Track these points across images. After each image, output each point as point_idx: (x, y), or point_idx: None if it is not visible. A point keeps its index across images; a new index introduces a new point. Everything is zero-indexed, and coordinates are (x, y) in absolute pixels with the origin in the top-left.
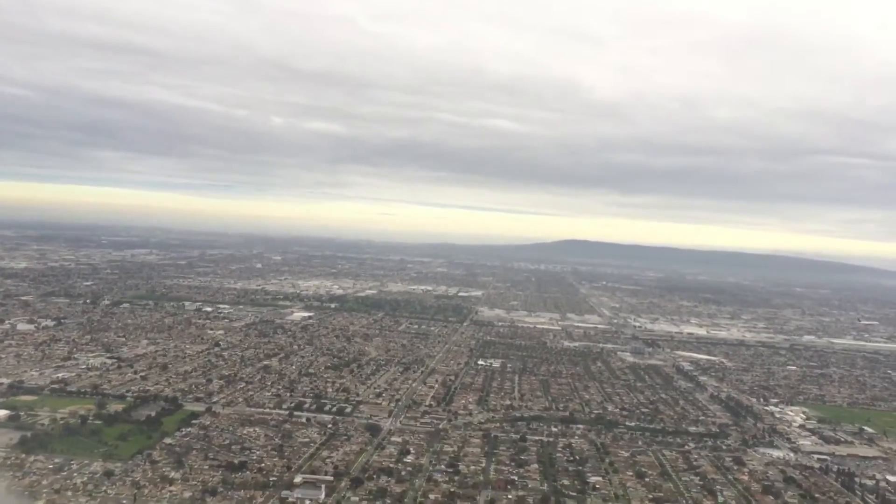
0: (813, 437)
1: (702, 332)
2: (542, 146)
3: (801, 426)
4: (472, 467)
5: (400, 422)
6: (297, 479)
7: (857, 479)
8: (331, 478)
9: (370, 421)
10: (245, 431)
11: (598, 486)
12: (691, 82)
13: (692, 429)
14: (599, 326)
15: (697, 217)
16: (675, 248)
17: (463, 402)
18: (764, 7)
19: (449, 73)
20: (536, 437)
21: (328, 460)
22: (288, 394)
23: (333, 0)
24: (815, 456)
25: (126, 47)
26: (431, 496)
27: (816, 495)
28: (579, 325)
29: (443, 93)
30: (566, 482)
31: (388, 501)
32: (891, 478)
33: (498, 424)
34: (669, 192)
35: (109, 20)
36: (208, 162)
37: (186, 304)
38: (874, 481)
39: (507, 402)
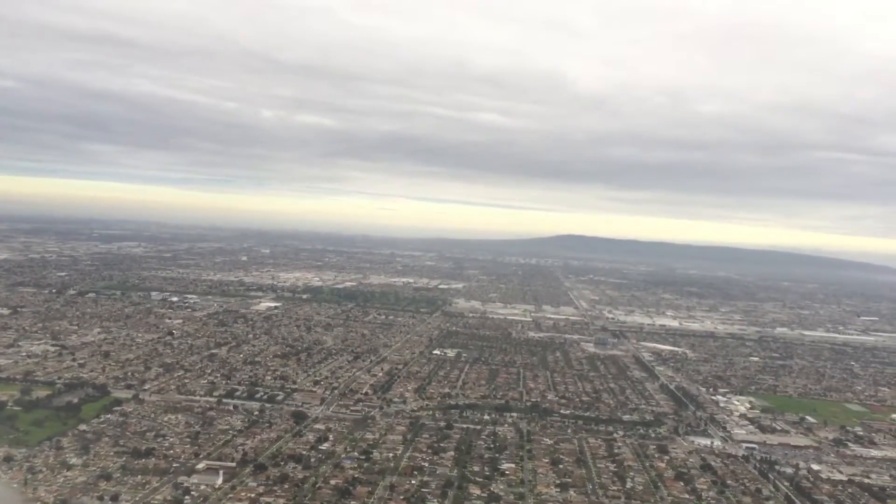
0: (750, 427)
1: (674, 323)
2: (533, 140)
3: (742, 415)
4: (387, 454)
5: (331, 409)
6: (201, 465)
7: (777, 467)
8: (233, 464)
9: (299, 408)
10: (166, 418)
11: (507, 472)
12: (677, 75)
13: (626, 417)
14: (572, 318)
15: (695, 213)
16: (671, 244)
17: (401, 390)
18: None
19: (432, 65)
20: (464, 425)
21: (241, 447)
22: (224, 381)
23: None
24: (745, 444)
25: (108, 38)
26: (332, 482)
27: (729, 482)
28: (552, 316)
29: (428, 85)
30: (476, 468)
31: (286, 486)
32: (815, 466)
33: (430, 412)
34: (665, 187)
35: (88, 11)
36: (203, 156)
37: (153, 293)
38: (793, 469)
39: (446, 391)
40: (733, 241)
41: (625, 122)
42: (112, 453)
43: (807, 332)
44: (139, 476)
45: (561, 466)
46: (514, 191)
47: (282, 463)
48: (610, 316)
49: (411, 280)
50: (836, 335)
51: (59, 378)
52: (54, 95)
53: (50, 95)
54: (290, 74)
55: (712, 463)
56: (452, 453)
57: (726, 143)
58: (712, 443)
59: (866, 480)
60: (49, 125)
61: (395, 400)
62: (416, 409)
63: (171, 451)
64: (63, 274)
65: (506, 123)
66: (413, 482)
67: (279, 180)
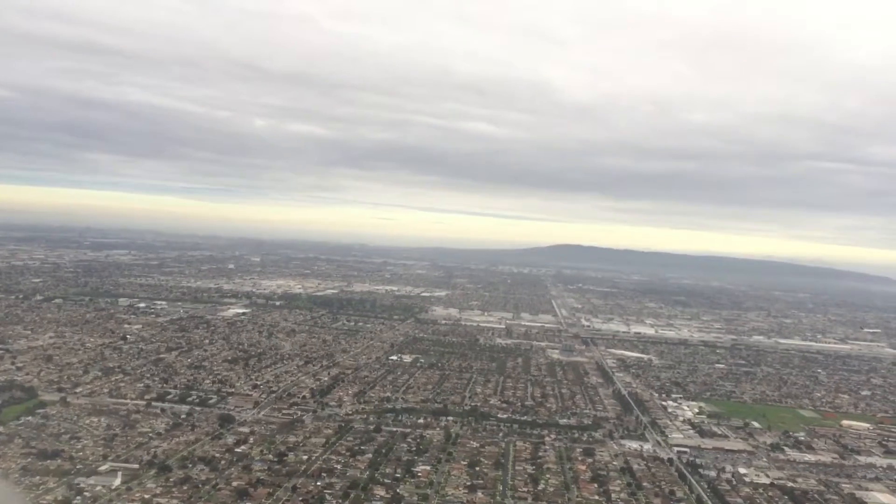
0: (690, 431)
1: (650, 331)
2: (526, 150)
3: (686, 420)
4: (303, 456)
5: (262, 413)
6: (104, 466)
7: (700, 470)
8: (137, 466)
9: (228, 412)
10: (87, 421)
11: (420, 474)
12: (661, 84)
13: (563, 421)
14: (547, 326)
15: (696, 223)
16: (669, 254)
17: (340, 394)
18: (723, 6)
19: (418, 73)
20: (394, 429)
21: (154, 449)
22: (160, 385)
23: None
24: (676, 448)
25: (93, 47)
26: (235, 484)
27: (645, 484)
28: (528, 324)
29: (415, 94)
30: (390, 470)
31: (186, 488)
32: (742, 470)
33: (364, 416)
34: (662, 196)
35: (71, 19)
36: (201, 165)
37: (121, 300)
38: (716, 472)
39: (387, 395)
40: (731, 251)
41: (614, 132)
42: (19, 454)
43: (783, 341)
44: (37, 477)
45: (478, 468)
46: (512, 200)
47: (190, 465)
48: (587, 324)
49: (395, 288)
50: (813, 343)
51: None
52: (47, 104)
53: (43, 104)
54: (278, 83)
55: (635, 466)
56: (370, 455)
57: (716, 153)
58: (642, 446)
59: (790, 484)
60: (45, 134)
61: (332, 404)
62: (350, 412)
63: (81, 453)
64: (38, 280)
65: (496, 132)
66: (319, 484)
67: (278, 189)
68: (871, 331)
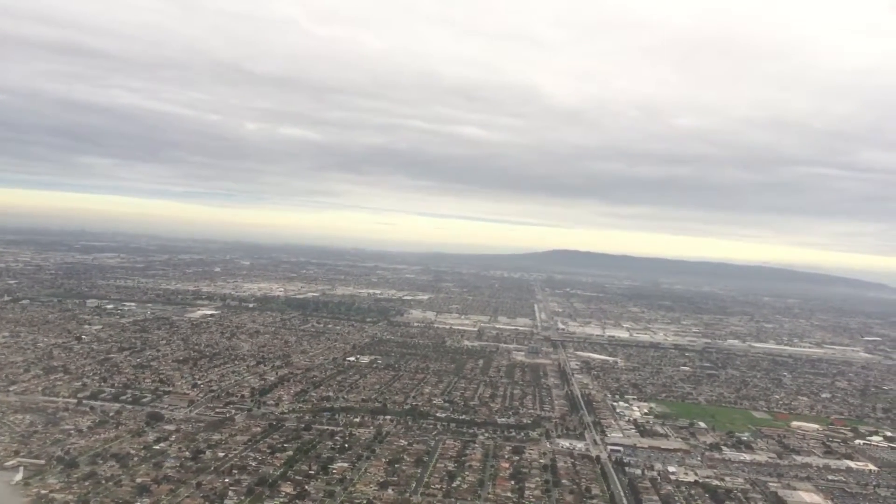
0: (632, 431)
1: (625, 335)
2: (519, 154)
3: (632, 420)
4: (220, 454)
5: (195, 412)
6: (11, 462)
7: (627, 469)
8: (42, 461)
9: (159, 410)
10: (12, 418)
11: (335, 471)
12: (648, 89)
13: (502, 420)
14: (521, 329)
15: (695, 229)
16: (665, 259)
17: (281, 393)
18: (707, 12)
19: (405, 77)
20: (326, 427)
21: (70, 446)
22: (98, 384)
23: (274, 1)
24: (610, 447)
25: (80, 49)
26: (138, 480)
27: (564, 481)
28: (503, 327)
29: (405, 98)
30: (305, 467)
31: (87, 484)
32: (672, 468)
33: (299, 415)
34: (657, 202)
35: (56, 21)
36: (197, 169)
37: (89, 301)
38: (642, 470)
39: (328, 394)
40: (728, 257)
41: (605, 136)
42: None
43: (756, 344)
44: None
45: (397, 466)
46: (510, 206)
47: (100, 461)
48: (562, 327)
49: (378, 291)
50: (786, 347)
51: None
52: (39, 107)
53: (35, 107)
54: (266, 87)
55: (560, 463)
56: (290, 453)
57: (708, 158)
58: (573, 445)
59: (716, 482)
60: (39, 137)
61: (269, 403)
62: (286, 411)
63: None
64: (14, 282)
65: (487, 137)
66: (226, 480)
67: (277, 193)
68: (871, 339)
